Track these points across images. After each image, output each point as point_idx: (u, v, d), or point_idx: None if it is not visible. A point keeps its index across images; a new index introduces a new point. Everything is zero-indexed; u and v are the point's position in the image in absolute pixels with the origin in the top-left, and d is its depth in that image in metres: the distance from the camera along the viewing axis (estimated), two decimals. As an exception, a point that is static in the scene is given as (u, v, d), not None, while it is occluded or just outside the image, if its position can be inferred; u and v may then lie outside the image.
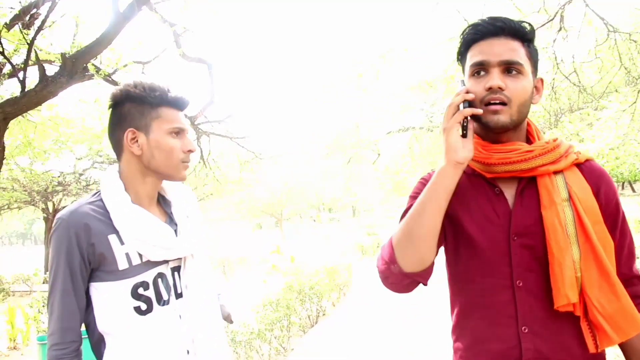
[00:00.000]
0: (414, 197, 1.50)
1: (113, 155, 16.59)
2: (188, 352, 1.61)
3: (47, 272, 1.59)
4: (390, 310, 8.38)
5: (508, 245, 1.37)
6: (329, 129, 23.55)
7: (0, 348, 7.51)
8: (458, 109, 1.31)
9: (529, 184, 1.39)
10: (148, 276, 1.57)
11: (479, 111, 1.31)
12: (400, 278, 1.40)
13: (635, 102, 7.89)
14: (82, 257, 1.51)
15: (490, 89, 1.31)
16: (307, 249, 22.84)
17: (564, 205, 1.33)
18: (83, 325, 1.59)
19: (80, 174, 17.19)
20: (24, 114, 6.30)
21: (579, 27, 6.77)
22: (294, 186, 31.04)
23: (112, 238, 1.53)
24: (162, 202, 1.73)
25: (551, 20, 6.32)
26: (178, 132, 1.61)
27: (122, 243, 1.54)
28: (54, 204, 18.18)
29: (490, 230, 1.39)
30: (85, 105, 10.97)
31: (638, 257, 2.13)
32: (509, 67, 1.32)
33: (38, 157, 12.92)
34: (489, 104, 1.32)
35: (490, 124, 1.34)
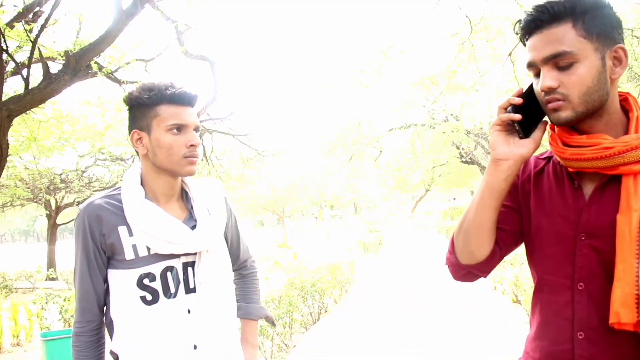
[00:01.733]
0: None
1: (115, 153, 16.68)
2: (195, 347, 1.63)
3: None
4: (392, 307, 8.40)
5: (574, 244, 1.27)
6: (331, 126, 23.54)
7: (3, 344, 7.54)
8: (505, 110, 1.26)
9: (612, 182, 1.23)
10: (155, 268, 1.62)
11: (516, 116, 1.23)
12: (457, 268, 1.42)
13: (638, 99, 7.88)
14: (95, 245, 1.63)
15: (545, 91, 1.23)
16: (309, 246, 22.87)
17: None
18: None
19: (83, 171, 17.25)
20: (27, 111, 6.31)
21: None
22: (296, 183, 31.03)
23: (122, 229, 1.62)
24: (185, 198, 1.76)
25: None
26: (179, 128, 1.62)
27: (130, 235, 1.61)
28: (56, 201, 18.23)
29: (560, 224, 1.30)
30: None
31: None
32: (557, 61, 1.20)
33: (41, 154, 12.96)
34: (548, 103, 1.24)
35: (554, 122, 1.26)
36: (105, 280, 1.67)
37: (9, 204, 17.71)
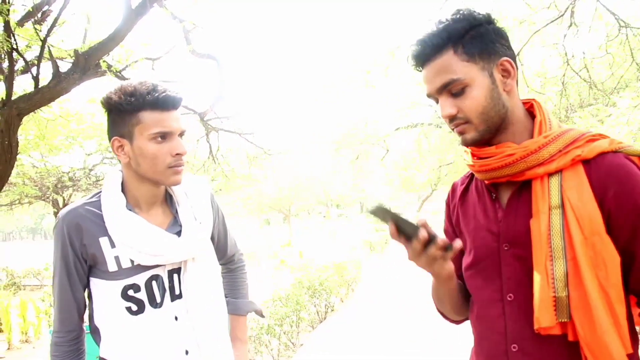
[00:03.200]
0: (446, 217, 1.54)
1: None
2: (187, 352, 1.60)
3: None
4: (398, 306, 8.40)
5: (499, 255, 1.28)
6: (337, 125, 23.53)
7: (12, 341, 7.59)
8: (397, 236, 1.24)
9: (524, 188, 1.26)
10: (139, 279, 1.57)
11: (393, 233, 1.21)
12: (452, 321, 1.54)
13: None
14: (76, 255, 1.57)
15: (447, 118, 1.28)
16: (316, 245, 22.87)
17: (555, 214, 1.18)
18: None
19: (90, 170, 17.31)
20: (36, 110, 6.35)
21: (590, 23, 6.74)
22: (302, 182, 31.04)
23: (103, 240, 1.56)
24: (169, 202, 1.69)
25: (561, 15, 6.29)
26: (163, 136, 1.52)
27: (112, 246, 1.55)
28: (64, 199, 18.29)
29: (485, 238, 1.31)
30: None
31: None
32: (449, 89, 1.24)
33: (50, 152, 13.02)
34: (455, 127, 1.29)
35: (463, 144, 1.30)
36: (86, 288, 1.62)
37: (17, 202, 17.80)
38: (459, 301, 1.44)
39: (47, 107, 7.84)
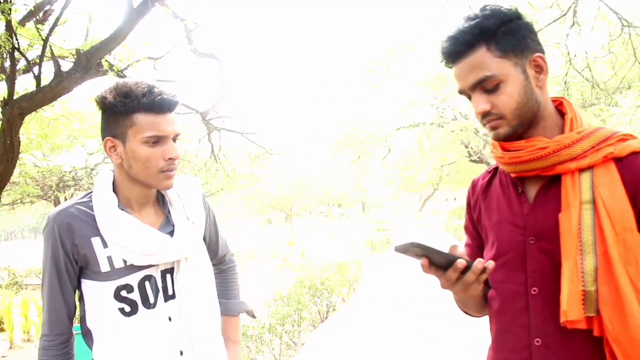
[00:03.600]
0: (467, 214, 1.54)
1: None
2: (182, 352, 1.58)
3: None
4: (399, 306, 8.39)
5: (524, 249, 1.28)
6: (338, 124, 23.52)
7: (14, 340, 7.60)
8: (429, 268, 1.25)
9: (553, 183, 1.26)
10: (132, 279, 1.55)
11: (424, 265, 1.22)
12: (470, 314, 1.55)
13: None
14: (67, 256, 1.54)
15: (481, 114, 1.28)
16: (317, 244, 22.88)
17: (586, 209, 1.18)
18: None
19: (92, 169, 17.32)
20: (38, 109, 6.35)
21: (592, 22, 6.72)
22: (304, 182, 31.04)
23: (95, 240, 1.54)
24: (161, 201, 1.67)
25: (564, 15, 6.27)
26: (157, 140, 1.50)
27: (105, 246, 1.53)
28: (65, 199, 18.31)
29: (509, 232, 1.32)
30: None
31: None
32: (483, 86, 1.25)
33: (52, 152, 13.04)
34: (487, 123, 1.29)
35: (495, 139, 1.31)
36: (76, 290, 1.60)
37: (18, 201, 17.82)
38: (482, 300, 1.45)
39: (49, 107, 7.85)
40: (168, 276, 1.60)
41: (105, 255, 1.53)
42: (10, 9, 4.70)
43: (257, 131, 10.66)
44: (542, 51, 1.28)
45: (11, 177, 5.45)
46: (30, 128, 10.46)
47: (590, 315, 1.14)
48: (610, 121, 9.07)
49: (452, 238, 21.63)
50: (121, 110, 1.48)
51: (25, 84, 7.21)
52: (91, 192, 1.61)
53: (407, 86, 18.56)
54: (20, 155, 6.32)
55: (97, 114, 12.81)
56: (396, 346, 5.99)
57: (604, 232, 1.15)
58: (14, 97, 5.04)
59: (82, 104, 11.38)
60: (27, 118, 6.06)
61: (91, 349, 1.59)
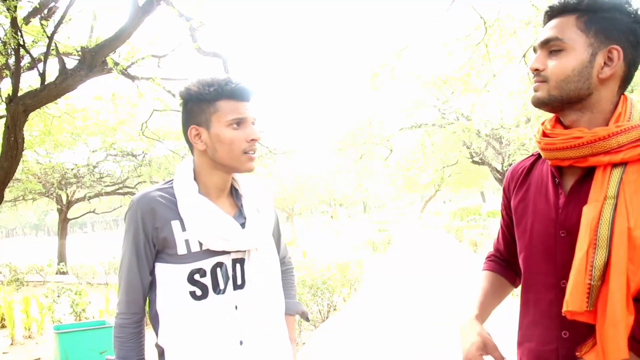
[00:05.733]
0: (503, 203, 1.55)
1: (126, 148, 16.77)
2: (241, 342, 1.63)
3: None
4: (400, 306, 8.40)
5: (555, 241, 1.28)
6: (341, 124, 23.55)
7: (15, 336, 7.62)
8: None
9: (588, 177, 1.24)
10: (206, 264, 1.62)
11: None
12: None
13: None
14: (146, 238, 1.62)
15: (532, 72, 1.29)
16: (319, 244, 22.89)
17: (608, 204, 1.17)
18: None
19: (94, 166, 17.35)
20: (42, 107, 6.37)
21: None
22: (306, 181, 31.07)
23: (175, 224, 1.61)
24: (234, 194, 1.76)
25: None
26: (239, 123, 1.61)
27: (183, 229, 1.61)
28: (67, 196, 18.36)
29: (542, 223, 1.32)
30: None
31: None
32: (549, 46, 1.26)
33: (55, 149, 13.07)
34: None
35: (532, 103, 1.32)
36: (151, 274, 1.66)
37: (20, 198, 17.86)
38: (505, 287, 1.56)
39: (52, 104, 7.87)
40: (238, 266, 1.67)
41: (184, 238, 1.60)
42: (15, 6, 4.72)
43: (262, 130, 10.68)
44: (631, 52, 1.25)
45: (14, 174, 5.47)
46: (34, 125, 10.49)
47: (591, 309, 1.14)
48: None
49: (453, 239, 21.62)
50: (206, 97, 1.59)
51: (29, 81, 7.23)
52: (172, 179, 1.70)
53: (410, 87, 18.56)
54: (23, 152, 6.34)
55: (100, 112, 12.86)
56: (396, 347, 6.00)
57: (615, 227, 1.14)
58: (19, 94, 5.05)
59: (86, 101, 11.40)
60: (31, 115, 6.08)
61: (157, 333, 1.65)
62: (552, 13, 1.29)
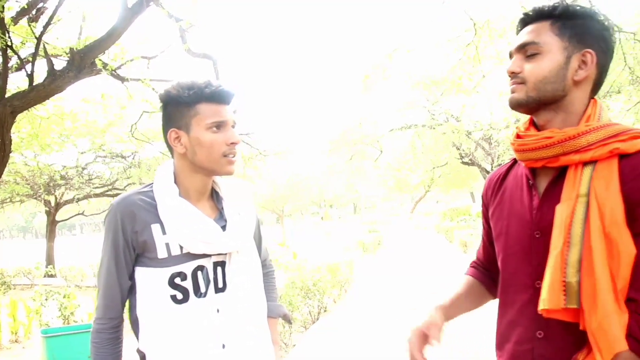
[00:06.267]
0: (482, 211, 1.58)
1: (115, 150, 16.68)
2: (224, 346, 1.62)
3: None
4: (390, 307, 8.41)
5: (530, 242, 1.31)
6: (332, 125, 23.60)
7: (2, 341, 7.54)
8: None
9: (561, 177, 1.27)
10: (187, 267, 1.61)
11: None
12: None
13: (639, 102, 7.89)
14: (126, 242, 1.61)
15: (509, 75, 1.34)
16: (309, 245, 22.88)
17: (581, 202, 1.20)
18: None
19: (83, 168, 17.23)
20: (30, 108, 6.31)
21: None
22: (296, 183, 31.06)
23: (155, 227, 1.60)
24: (215, 197, 1.75)
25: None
26: (219, 126, 1.60)
27: (164, 233, 1.60)
28: (56, 198, 18.21)
29: (517, 224, 1.35)
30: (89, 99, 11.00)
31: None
32: (525, 50, 1.31)
33: (42, 150, 12.97)
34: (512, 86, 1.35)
35: (510, 105, 1.36)
36: (131, 278, 1.65)
37: (8, 200, 17.70)
38: (482, 294, 1.58)
39: (41, 105, 7.80)
40: (219, 269, 1.66)
41: (164, 242, 1.59)
42: (2, 7, 4.67)
43: (251, 132, 10.67)
44: (603, 56, 1.30)
45: (1, 176, 5.42)
46: (21, 127, 10.39)
47: (572, 306, 1.16)
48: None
49: (443, 239, 21.70)
50: (186, 100, 1.59)
51: (17, 82, 7.16)
52: (152, 183, 1.69)
53: (400, 88, 18.63)
54: (11, 154, 6.28)
55: (89, 113, 12.77)
56: (387, 347, 6.01)
57: (591, 225, 1.17)
58: (6, 95, 5.01)
59: (75, 102, 11.32)
60: (19, 116, 6.03)
61: (137, 338, 1.64)
62: (527, 19, 1.34)
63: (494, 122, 16.40)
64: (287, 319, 2.00)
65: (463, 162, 24.05)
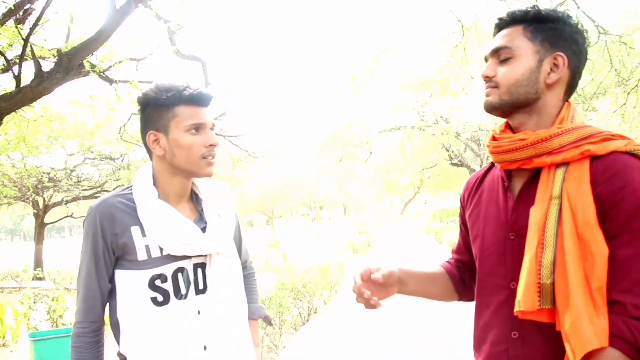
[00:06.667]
0: (460, 214, 1.59)
1: (104, 151, 16.58)
2: (205, 347, 1.62)
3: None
4: (380, 308, 8.43)
5: (505, 244, 1.33)
6: (322, 127, 23.64)
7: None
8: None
9: (535, 179, 1.28)
10: (167, 269, 1.61)
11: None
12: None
13: (625, 104, 7.98)
14: (105, 244, 1.60)
15: (484, 79, 1.37)
16: (299, 246, 22.87)
17: (554, 204, 1.21)
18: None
19: (72, 170, 17.11)
20: (17, 110, 6.27)
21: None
22: (286, 184, 31.04)
23: (135, 229, 1.60)
24: (194, 199, 1.75)
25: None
26: (197, 128, 1.61)
27: (143, 235, 1.60)
28: (44, 200, 18.06)
29: (493, 227, 1.37)
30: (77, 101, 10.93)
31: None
32: (499, 54, 1.34)
33: (30, 153, 12.86)
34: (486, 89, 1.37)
35: (484, 108, 1.38)
36: (111, 281, 1.64)
37: (-5, 202, 17.53)
38: (446, 287, 1.60)
39: (28, 107, 7.75)
40: (199, 270, 1.66)
41: (144, 244, 1.59)
42: (-11, 8, 4.64)
43: (240, 134, 10.66)
44: (575, 60, 1.32)
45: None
46: (8, 128, 10.31)
47: (546, 307, 1.17)
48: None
49: (433, 240, 21.77)
50: (164, 103, 1.59)
51: (4, 84, 7.11)
52: (131, 185, 1.69)
53: (390, 89, 18.68)
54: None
55: (77, 115, 12.70)
56: (377, 348, 6.02)
57: (563, 226, 1.18)
58: (-7, 97, 4.97)
59: (62, 104, 11.25)
60: (6, 118, 5.98)
61: (118, 342, 1.63)
62: (501, 24, 1.37)
63: (482, 123, 16.48)
64: (268, 321, 2.00)
65: (452, 164, 24.17)
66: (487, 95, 1.35)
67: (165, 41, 7.50)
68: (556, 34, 1.32)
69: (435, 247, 19.34)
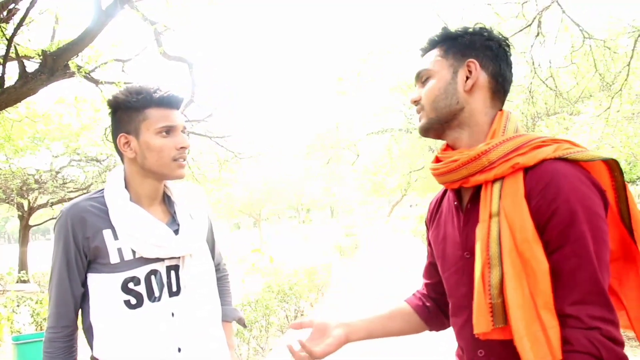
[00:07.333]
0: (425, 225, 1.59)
1: (90, 153, 16.45)
2: (180, 349, 1.62)
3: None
4: (367, 310, 8.44)
5: (462, 263, 1.31)
6: (309, 129, 23.65)
7: (-27, 348, 7.37)
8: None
9: (478, 196, 1.26)
10: (140, 272, 1.60)
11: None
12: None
13: (609, 108, 8.07)
14: (77, 248, 1.59)
15: (413, 104, 1.40)
16: (286, 249, 22.84)
17: (494, 221, 1.18)
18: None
19: (57, 172, 16.94)
20: (1, 111, 6.20)
21: (556, 33, 6.92)
22: (273, 186, 30.99)
23: (107, 233, 1.59)
24: (167, 202, 1.75)
25: (529, 25, 6.44)
26: (168, 131, 1.61)
27: (116, 238, 1.59)
28: (29, 202, 17.87)
29: (451, 246, 1.36)
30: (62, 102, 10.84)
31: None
32: (421, 78, 1.37)
33: (15, 154, 12.72)
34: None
35: (419, 131, 1.41)
36: (83, 285, 1.63)
37: (-21, 204, 17.31)
38: (410, 321, 1.60)
39: (12, 108, 7.67)
40: (172, 273, 1.67)
41: (116, 247, 1.59)
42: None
43: (227, 135, 10.62)
44: (493, 65, 1.33)
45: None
46: (-7, 129, 10.18)
47: (499, 326, 1.15)
48: (573, 129, 9.34)
49: (420, 242, 21.85)
50: (135, 105, 1.59)
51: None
52: (102, 189, 1.69)
53: (377, 92, 18.74)
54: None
55: (63, 116, 12.58)
56: (363, 351, 6.03)
57: (502, 244, 1.16)
58: (-23, 98, 4.91)
59: (48, 105, 11.14)
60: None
61: (91, 346, 1.62)
62: (423, 52, 1.41)
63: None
64: (242, 323, 2.01)
65: (439, 166, 24.23)
66: (419, 120, 1.38)
67: (151, 42, 7.48)
68: (467, 46, 1.33)
69: (422, 249, 19.43)
